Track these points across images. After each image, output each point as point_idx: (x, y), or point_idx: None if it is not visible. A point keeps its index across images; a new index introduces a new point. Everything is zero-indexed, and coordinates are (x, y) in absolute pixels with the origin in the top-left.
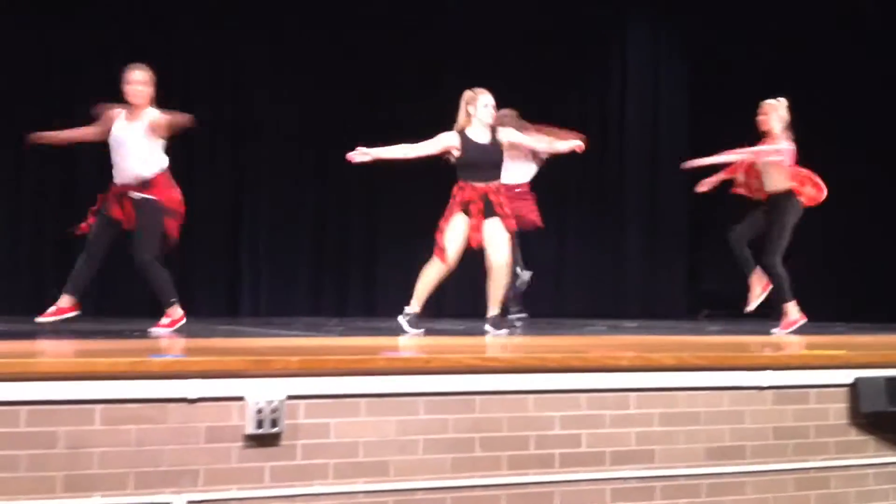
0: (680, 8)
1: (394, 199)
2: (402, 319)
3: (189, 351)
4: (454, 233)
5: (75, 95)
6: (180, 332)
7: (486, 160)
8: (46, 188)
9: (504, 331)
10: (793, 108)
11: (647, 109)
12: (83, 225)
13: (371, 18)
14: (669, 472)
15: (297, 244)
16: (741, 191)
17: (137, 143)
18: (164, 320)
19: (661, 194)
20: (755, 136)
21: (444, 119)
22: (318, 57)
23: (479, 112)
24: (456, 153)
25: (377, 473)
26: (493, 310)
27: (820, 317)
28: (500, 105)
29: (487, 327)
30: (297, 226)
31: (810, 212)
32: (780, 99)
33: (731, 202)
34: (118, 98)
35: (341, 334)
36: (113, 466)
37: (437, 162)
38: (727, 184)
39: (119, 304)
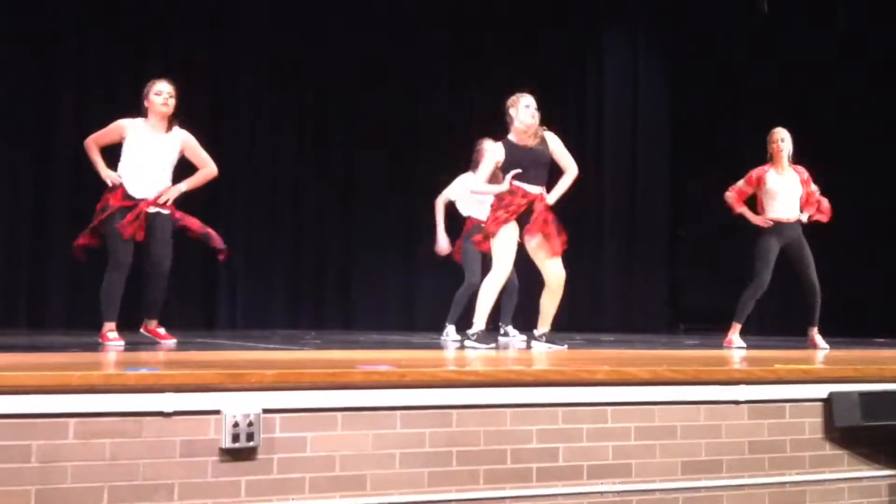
0: (657, 16)
1: (371, 212)
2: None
3: (164, 364)
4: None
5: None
6: (156, 344)
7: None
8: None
9: (563, 345)
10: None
11: (626, 122)
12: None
13: (351, 27)
14: (646, 486)
15: (274, 257)
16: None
17: (169, 160)
18: (162, 330)
19: (640, 208)
20: (735, 146)
21: (420, 130)
22: (295, 66)
23: (520, 113)
24: (500, 159)
25: (354, 487)
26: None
27: (795, 332)
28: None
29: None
30: (274, 239)
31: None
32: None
33: (709, 216)
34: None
35: (318, 348)
36: (87, 480)
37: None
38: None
39: (94, 316)
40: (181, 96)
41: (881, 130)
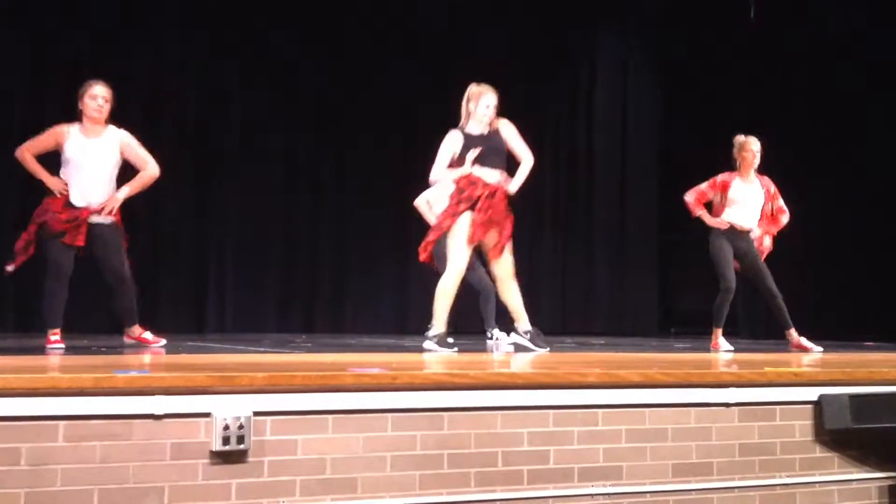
0: (648, 20)
1: (362, 216)
2: (517, 339)
3: (154, 367)
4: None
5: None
6: (145, 347)
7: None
8: None
9: (545, 347)
10: (764, 122)
11: (616, 128)
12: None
13: (346, 27)
14: (637, 489)
15: (265, 260)
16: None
17: (109, 163)
18: (148, 335)
19: (631, 212)
20: (725, 150)
21: (413, 133)
22: (289, 68)
23: (479, 111)
24: (456, 151)
25: (345, 490)
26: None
27: (784, 334)
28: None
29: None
30: (265, 242)
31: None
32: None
33: (699, 221)
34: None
35: (309, 351)
36: (77, 483)
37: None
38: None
39: (83, 320)
40: (177, 99)
41: (877, 133)
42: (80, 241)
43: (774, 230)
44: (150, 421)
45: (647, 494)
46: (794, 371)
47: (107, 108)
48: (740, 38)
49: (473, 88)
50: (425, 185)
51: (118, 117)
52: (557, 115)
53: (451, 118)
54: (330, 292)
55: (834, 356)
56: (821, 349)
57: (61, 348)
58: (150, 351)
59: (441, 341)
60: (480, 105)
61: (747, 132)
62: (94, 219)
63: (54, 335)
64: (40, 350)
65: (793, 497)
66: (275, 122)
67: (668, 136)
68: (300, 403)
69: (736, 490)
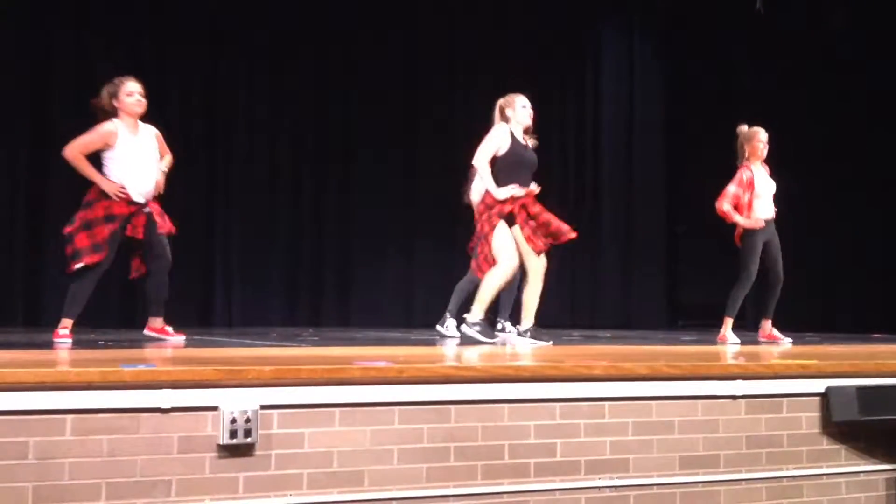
0: (653, 16)
1: (369, 209)
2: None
3: (161, 360)
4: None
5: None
6: (154, 340)
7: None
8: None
9: (548, 341)
10: (768, 116)
11: (622, 121)
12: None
13: (345, 28)
14: (643, 481)
15: (271, 254)
16: None
17: (154, 156)
18: (169, 328)
19: (638, 206)
20: (730, 144)
21: (418, 128)
22: (294, 62)
23: (518, 114)
24: (504, 149)
25: (352, 483)
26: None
27: (791, 326)
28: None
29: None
30: (271, 236)
31: (781, 225)
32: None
33: (706, 214)
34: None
35: (315, 344)
36: (84, 477)
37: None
38: (708, 196)
39: (91, 314)
40: (184, 95)
41: (881, 129)
42: (140, 234)
43: None
44: (158, 414)
45: (654, 487)
46: (802, 363)
47: (144, 102)
48: (746, 31)
49: (506, 97)
50: (431, 179)
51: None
52: (564, 109)
53: (455, 113)
54: (336, 286)
55: (841, 348)
56: (790, 340)
57: (68, 342)
58: (165, 345)
59: (483, 330)
60: (518, 108)
61: (752, 126)
62: (146, 210)
63: (64, 328)
64: (48, 345)
65: (800, 489)
66: (281, 117)
67: (674, 129)
68: (307, 397)
69: (743, 482)
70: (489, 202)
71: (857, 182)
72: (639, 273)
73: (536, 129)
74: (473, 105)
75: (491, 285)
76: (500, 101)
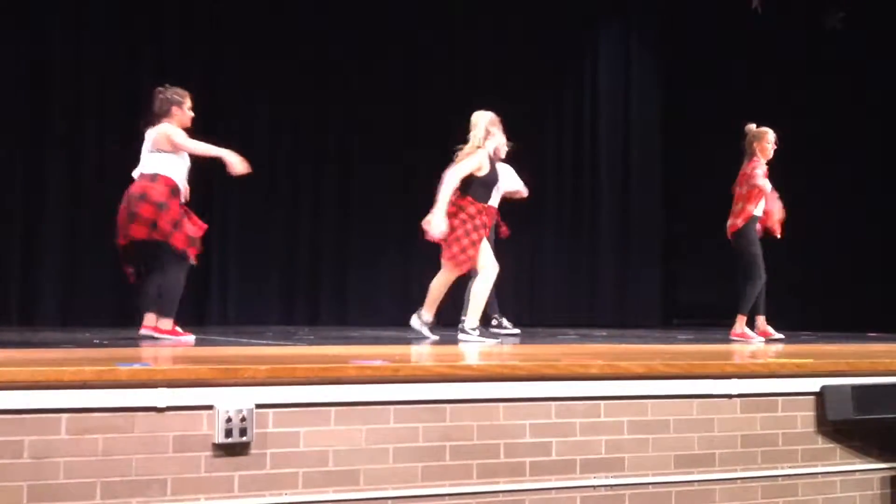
0: (650, 16)
1: (365, 208)
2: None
3: (157, 359)
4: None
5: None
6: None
7: (497, 179)
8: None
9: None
10: (766, 115)
11: (619, 120)
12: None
13: (341, 29)
14: (639, 480)
15: (267, 253)
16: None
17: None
18: (178, 329)
19: (635, 204)
20: (726, 144)
21: (416, 127)
22: (293, 61)
23: (497, 134)
24: (485, 172)
25: (347, 482)
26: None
27: (787, 325)
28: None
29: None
30: (268, 234)
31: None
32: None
33: (703, 213)
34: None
35: (311, 343)
36: (79, 476)
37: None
38: (704, 195)
39: (86, 313)
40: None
41: (881, 129)
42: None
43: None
44: (153, 413)
45: (650, 486)
46: (797, 362)
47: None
48: (743, 31)
49: (494, 116)
50: (428, 178)
51: (122, 114)
52: (561, 109)
53: (451, 115)
54: (332, 284)
55: (836, 347)
56: (783, 336)
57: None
58: (177, 344)
59: (483, 333)
60: (499, 131)
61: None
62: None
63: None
64: (42, 343)
65: (795, 488)
66: (278, 117)
67: (670, 128)
68: (303, 396)
69: (738, 481)
70: (471, 212)
71: (855, 183)
72: (635, 272)
73: (534, 127)
74: (471, 104)
75: (482, 294)
76: (491, 119)
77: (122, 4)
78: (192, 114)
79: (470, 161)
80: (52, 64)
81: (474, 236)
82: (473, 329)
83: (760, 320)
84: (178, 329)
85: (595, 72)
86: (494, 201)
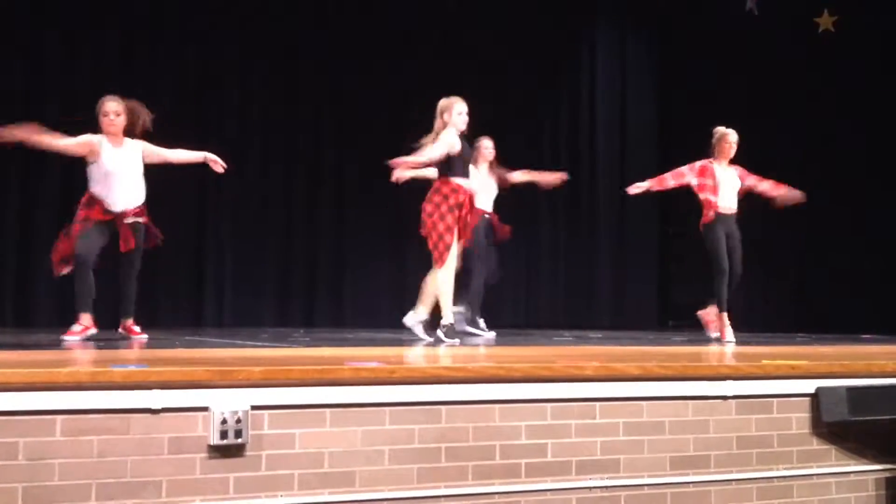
0: (645, 17)
1: (360, 210)
2: (440, 333)
3: (152, 361)
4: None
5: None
6: (144, 342)
7: (469, 155)
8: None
9: (457, 340)
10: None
11: (615, 123)
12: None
13: (344, 24)
14: (634, 482)
15: (263, 254)
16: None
17: (138, 170)
18: (137, 328)
19: (631, 206)
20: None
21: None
22: (287, 63)
23: (453, 119)
24: (457, 149)
25: (343, 484)
26: (449, 317)
27: (781, 327)
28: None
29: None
30: (263, 236)
31: (769, 223)
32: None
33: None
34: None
35: (307, 345)
36: (74, 478)
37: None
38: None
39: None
40: (175, 95)
41: (874, 128)
42: (124, 247)
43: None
44: (148, 415)
45: (645, 487)
46: (792, 364)
47: (118, 121)
48: (738, 32)
49: (444, 101)
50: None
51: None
52: (556, 109)
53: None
54: (328, 286)
55: (831, 349)
56: (733, 340)
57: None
58: (135, 344)
59: (450, 332)
60: (454, 113)
61: (745, 128)
62: (129, 220)
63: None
64: (38, 345)
65: (790, 489)
66: (274, 118)
67: (665, 130)
68: (298, 397)
69: (733, 483)
70: (445, 192)
71: (854, 179)
72: (630, 273)
73: (531, 128)
74: (469, 105)
75: (439, 286)
76: (441, 103)
77: (122, 5)
78: (107, 119)
79: (439, 145)
80: (45, 63)
81: (449, 220)
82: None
83: (726, 317)
84: (136, 328)
85: (592, 73)
86: (484, 201)
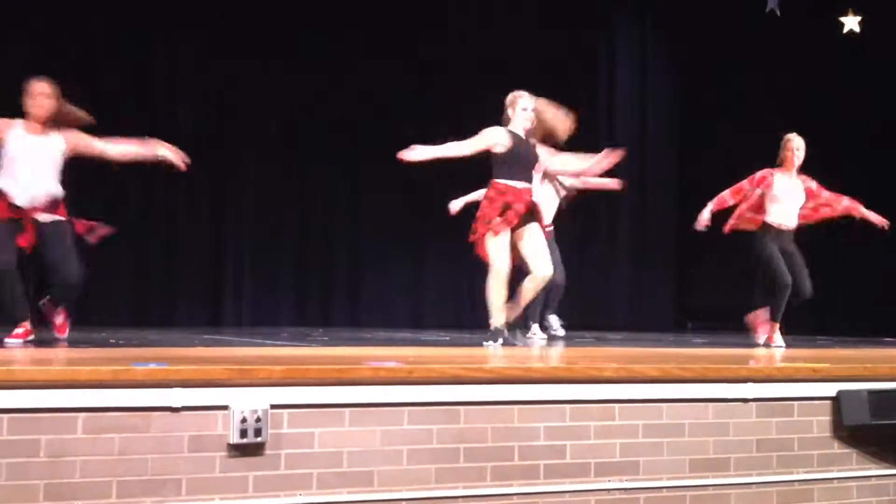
0: (666, 17)
1: (378, 209)
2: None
3: (172, 360)
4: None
5: None
6: (160, 340)
7: (529, 156)
8: None
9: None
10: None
11: (635, 124)
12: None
13: (354, 29)
14: (653, 484)
15: (282, 254)
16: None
17: (49, 162)
18: (60, 320)
19: (650, 208)
20: (742, 146)
21: (433, 126)
22: (298, 68)
23: (517, 114)
24: (502, 149)
25: (361, 483)
26: (500, 319)
27: (803, 330)
28: None
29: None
30: (282, 236)
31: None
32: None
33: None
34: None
35: (325, 344)
36: (95, 475)
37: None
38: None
39: (101, 313)
40: (194, 97)
41: (888, 131)
42: (25, 242)
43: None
44: (168, 413)
45: (664, 490)
46: (813, 366)
47: (46, 104)
48: (760, 32)
49: (510, 95)
50: (439, 179)
51: (134, 114)
52: (577, 111)
53: (465, 113)
54: (346, 286)
55: (853, 352)
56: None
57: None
58: (167, 345)
59: (495, 335)
60: (518, 109)
61: (765, 129)
62: (41, 217)
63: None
64: (57, 343)
65: (811, 493)
66: (290, 119)
67: (686, 131)
68: (317, 397)
69: (753, 486)
70: (490, 195)
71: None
72: (650, 275)
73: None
74: (484, 104)
75: (489, 291)
76: (508, 97)
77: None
78: (33, 100)
79: (473, 140)
80: (40, 60)
81: (490, 215)
82: (495, 330)
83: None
84: (59, 322)
85: (612, 72)
86: (531, 183)
